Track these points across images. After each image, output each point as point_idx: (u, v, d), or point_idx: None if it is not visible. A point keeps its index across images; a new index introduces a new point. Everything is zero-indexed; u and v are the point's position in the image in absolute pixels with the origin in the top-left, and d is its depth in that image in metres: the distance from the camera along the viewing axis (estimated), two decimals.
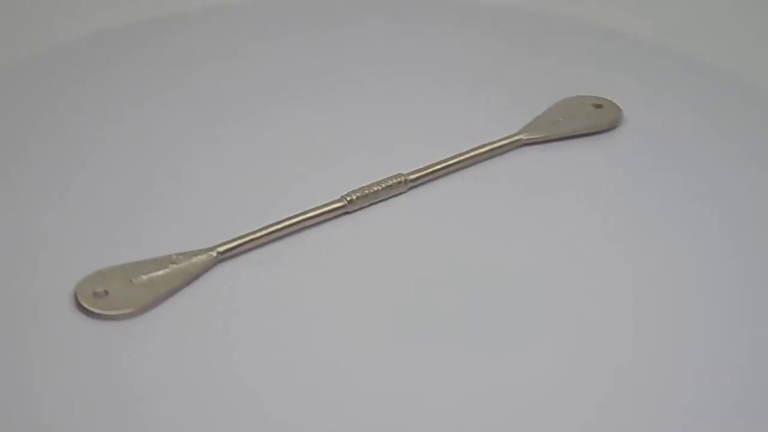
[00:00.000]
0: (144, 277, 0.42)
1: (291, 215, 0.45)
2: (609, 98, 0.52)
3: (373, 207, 0.47)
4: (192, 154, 0.50)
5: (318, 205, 0.46)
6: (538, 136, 0.50)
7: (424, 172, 0.48)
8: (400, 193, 0.47)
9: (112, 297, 0.42)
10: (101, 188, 0.48)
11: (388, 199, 0.47)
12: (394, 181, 0.47)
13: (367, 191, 0.46)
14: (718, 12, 0.60)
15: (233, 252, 0.44)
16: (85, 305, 0.41)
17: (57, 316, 0.41)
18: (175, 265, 0.43)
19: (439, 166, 0.48)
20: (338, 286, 0.44)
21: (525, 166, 0.49)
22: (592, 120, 0.51)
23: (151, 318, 0.41)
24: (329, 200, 0.46)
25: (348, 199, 0.46)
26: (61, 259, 0.44)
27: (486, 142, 0.49)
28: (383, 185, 0.47)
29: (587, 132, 0.51)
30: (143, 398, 0.39)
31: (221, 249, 0.43)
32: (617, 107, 0.52)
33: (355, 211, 0.46)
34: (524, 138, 0.50)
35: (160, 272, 0.42)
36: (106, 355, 0.40)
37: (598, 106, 0.52)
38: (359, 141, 0.51)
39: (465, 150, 0.49)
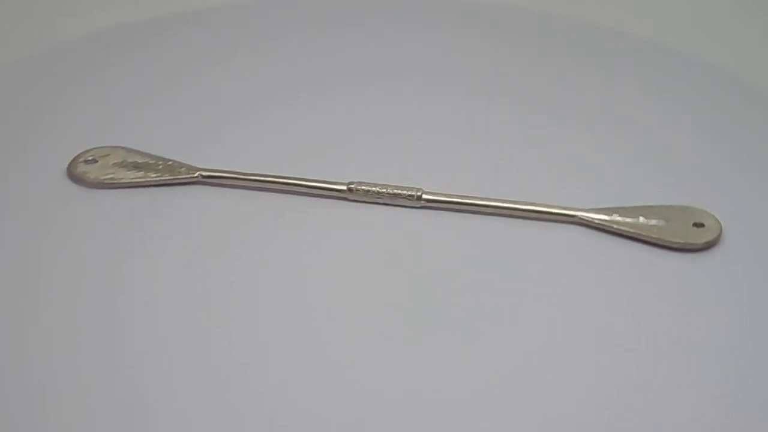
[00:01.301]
0: (134, 160, 0.48)
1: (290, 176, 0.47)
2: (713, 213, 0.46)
3: (377, 206, 0.47)
4: (191, 154, 0.50)
5: (320, 178, 0.47)
6: (603, 223, 0.45)
7: (442, 198, 0.46)
8: (408, 206, 0.47)
9: (98, 166, 0.48)
10: (98, 193, 0.48)
11: (394, 206, 0.47)
12: (405, 192, 0.46)
13: (372, 188, 0.46)
14: (718, 12, 0.60)
15: (216, 178, 0.47)
16: (70, 168, 0.48)
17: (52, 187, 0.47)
18: (160, 165, 0.48)
19: (462, 200, 0.46)
20: (316, 259, 0.44)
21: (577, 247, 0.45)
22: (687, 236, 0.44)
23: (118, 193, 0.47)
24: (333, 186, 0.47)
25: (351, 187, 0.46)
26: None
27: (541, 202, 0.46)
28: (392, 190, 0.46)
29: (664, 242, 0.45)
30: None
31: (205, 173, 0.47)
32: (719, 225, 0.45)
33: (355, 201, 0.47)
34: (584, 218, 0.45)
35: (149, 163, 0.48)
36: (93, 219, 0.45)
37: (700, 225, 0.45)
38: (359, 142, 0.51)
39: (508, 199, 0.46)
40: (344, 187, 0.47)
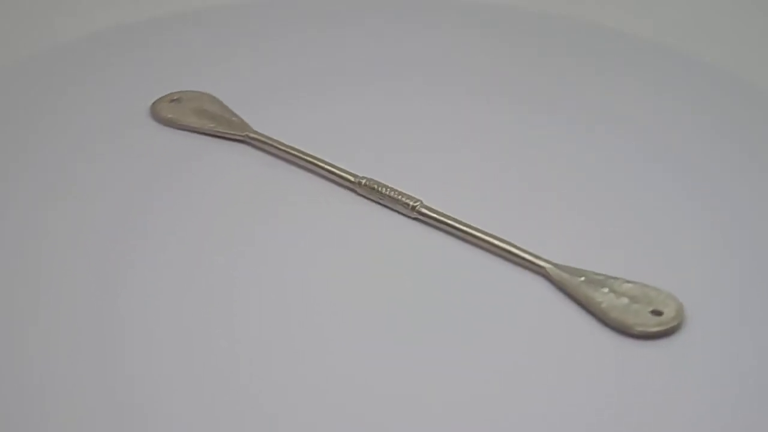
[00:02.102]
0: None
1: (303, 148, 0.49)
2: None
3: (378, 207, 0.47)
4: (191, 156, 0.50)
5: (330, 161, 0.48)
6: (569, 284, 0.43)
7: (436, 216, 0.45)
8: (405, 214, 0.46)
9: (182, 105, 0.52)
10: (99, 193, 0.48)
11: (392, 210, 0.47)
12: (405, 200, 0.46)
13: (376, 186, 0.47)
14: (718, 12, 0.60)
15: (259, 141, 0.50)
16: (157, 107, 0.52)
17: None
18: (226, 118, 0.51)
19: (451, 222, 0.45)
20: (313, 246, 0.45)
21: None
22: (644, 322, 0.41)
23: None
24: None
25: (360, 181, 0.47)
26: None
27: (515, 243, 0.44)
28: (393, 194, 0.46)
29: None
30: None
31: (252, 135, 0.50)
32: (681, 312, 0.42)
33: (361, 195, 0.47)
34: (550, 273, 0.43)
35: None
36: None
37: (658, 313, 0.42)
38: (359, 142, 0.51)
39: (487, 233, 0.44)
40: (354, 180, 0.47)
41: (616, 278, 0.42)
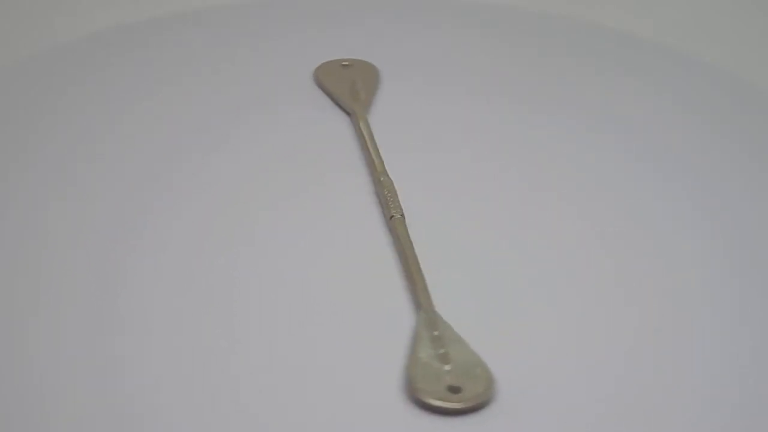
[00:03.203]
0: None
1: None
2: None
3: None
4: (192, 157, 0.50)
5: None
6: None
7: (403, 236, 0.44)
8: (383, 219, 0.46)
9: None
10: (99, 193, 0.48)
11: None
12: (389, 206, 0.46)
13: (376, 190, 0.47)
14: (718, 12, 0.60)
15: None
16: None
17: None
18: None
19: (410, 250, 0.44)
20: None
21: None
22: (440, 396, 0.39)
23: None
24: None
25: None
26: None
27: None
28: (384, 194, 0.47)
29: None
30: None
31: None
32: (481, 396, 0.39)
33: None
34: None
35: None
36: None
37: (456, 390, 0.39)
38: (359, 143, 0.51)
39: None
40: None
41: (461, 342, 0.40)
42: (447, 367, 0.39)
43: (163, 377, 0.40)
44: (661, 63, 0.56)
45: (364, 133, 0.50)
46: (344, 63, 0.55)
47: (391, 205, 0.46)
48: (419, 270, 0.43)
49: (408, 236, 0.45)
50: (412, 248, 0.44)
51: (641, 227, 0.46)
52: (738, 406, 0.39)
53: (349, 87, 0.53)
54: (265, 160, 0.49)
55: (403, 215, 0.45)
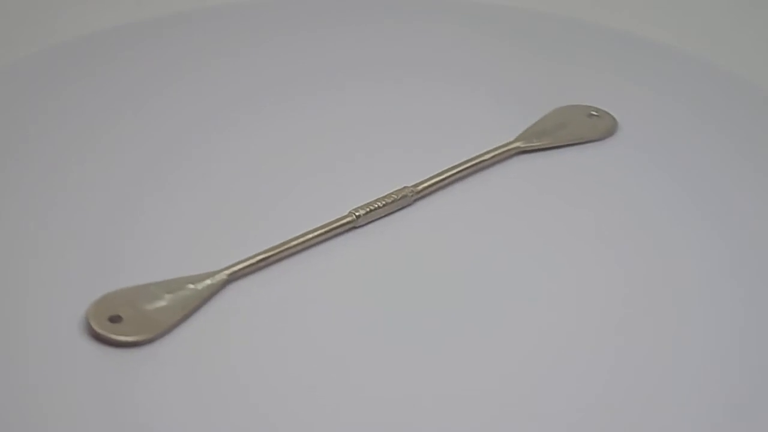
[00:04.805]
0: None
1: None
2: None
3: (379, 220, 0.46)
4: (192, 158, 0.50)
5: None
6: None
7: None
8: (406, 206, 0.47)
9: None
10: (99, 194, 0.48)
11: (394, 212, 0.47)
12: (401, 195, 0.46)
13: (374, 206, 0.46)
14: (718, 12, 0.60)
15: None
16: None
17: (68, 342, 0.40)
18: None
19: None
20: (348, 302, 0.43)
21: (522, 174, 0.49)
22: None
23: (165, 343, 0.40)
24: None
25: (356, 214, 0.45)
26: (68, 282, 0.43)
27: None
28: (390, 199, 0.46)
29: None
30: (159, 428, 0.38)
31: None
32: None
33: (362, 226, 0.46)
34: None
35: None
36: (121, 383, 0.39)
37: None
38: (360, 144, 0.51)
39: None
40: (352, 218, 0.45)
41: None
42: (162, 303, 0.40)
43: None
44: (661, 63, 0.56)
45: None
46: None
47: (401, 195, 0.46)
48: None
49: None
50: None
51: (641, 227, 0.46)
52: (738, 406, 0.39)
53: None
54: (264, 160, 0.49)
55: None
